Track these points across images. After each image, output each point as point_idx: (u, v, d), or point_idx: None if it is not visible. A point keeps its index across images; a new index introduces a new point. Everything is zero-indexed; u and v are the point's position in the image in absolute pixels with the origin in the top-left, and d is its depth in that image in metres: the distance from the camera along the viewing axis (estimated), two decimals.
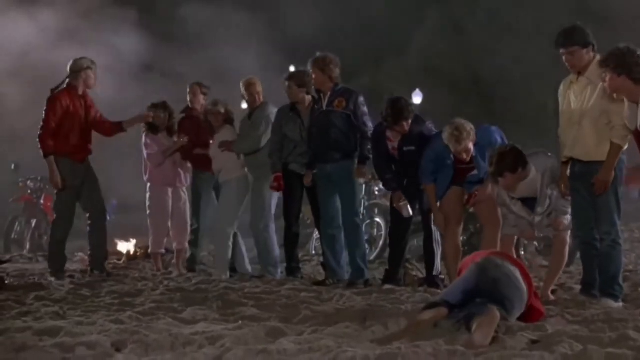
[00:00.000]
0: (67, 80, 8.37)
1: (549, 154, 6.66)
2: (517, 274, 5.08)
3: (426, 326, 4.69)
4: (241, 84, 8.60)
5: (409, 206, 7.50)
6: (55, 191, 8.51)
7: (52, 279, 8.09)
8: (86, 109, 8.40)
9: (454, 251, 7.24)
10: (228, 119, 8.75)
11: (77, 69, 8.35)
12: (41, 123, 8.24)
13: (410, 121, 7.40)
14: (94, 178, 8.54)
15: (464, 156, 6.96)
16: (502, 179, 6.22)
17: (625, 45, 5.75)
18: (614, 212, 6.05)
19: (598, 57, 5.95)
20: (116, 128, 8.73)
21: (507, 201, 6.52)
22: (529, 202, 6.49)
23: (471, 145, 6.93)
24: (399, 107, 7.38)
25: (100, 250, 8.68)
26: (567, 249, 6.62)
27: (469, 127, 6.92)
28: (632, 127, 5.79)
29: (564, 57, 6.10)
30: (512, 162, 6.21)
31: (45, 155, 8.24)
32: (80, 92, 8.40)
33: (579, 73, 6.07)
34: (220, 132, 8.69)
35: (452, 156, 7.03)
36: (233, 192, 8.53)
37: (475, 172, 7.05)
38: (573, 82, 6.14)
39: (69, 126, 8.26)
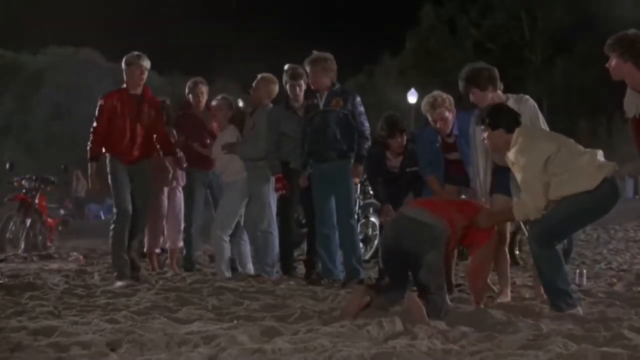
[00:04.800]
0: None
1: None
2: (422, 214, 5.52)
3: (357, 307, 5.26)
4: (258, 77, 8.58)
5: None
6: (112, 189, 8.14)
7: (118, 282, 7.75)
8: (138, 109, 8.07)
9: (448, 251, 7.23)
10: (234, 119, 8.68)
11: (123, 66, 8.07)
12: (92, 127, 8.09)
13: (404, 136, 7.42)
14: (143, 182, 8.18)
15: (440, 125, 6.89)
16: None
17: (634, 31, 5.58)
18: (560, 228, 5.54)
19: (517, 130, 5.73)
20: (167, 150, 8.46)
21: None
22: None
23: (448, 114, 6.89)
24: (393, 121, 7.41)
25: (137, 257, 8.39)
26: None
27: (445, 96, 6.93)
28: (629, 115, 5.75)
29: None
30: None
31: (89, 160, 8.03)
32: (138, 91, 8.08)
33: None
34: (224, 132, 8.66)
35: (439, 138, 7.01)
36: (238, 193, 8.48)
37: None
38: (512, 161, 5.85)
39: (115, 127, 7.99)
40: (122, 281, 7.70)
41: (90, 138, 8.04)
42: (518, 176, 5.61)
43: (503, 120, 5.72)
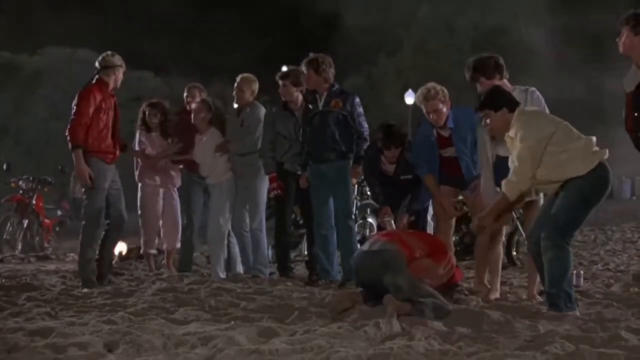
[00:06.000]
0: (97, 76, 7.85)
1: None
2: (374, 244, 5.83)
3: (345, 301, 5.53)
4: (237, 79, 8.61)
5: (393, 222, 7.52)
6: (84, 192, 7.88)
7: (85, 289, 7.40)
8: (115, 107, 7.90)
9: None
10: (214, 120, 8.68)
11: (110, 65, 7.88)
12: (72, 116, 7.67)
13: (399, 149, 7.42)
14: (119, 185, 7.97)
15: (433, 117, 6.89)
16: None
17: None
18: (568, 221, 5.55)
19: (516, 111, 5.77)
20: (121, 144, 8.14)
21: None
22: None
23: (442, 107, 6.88)
24: (389, 132, 7.41)
25: (109, 261, 8.19)
26: None
27: (439, 87, 6.94)
28: (627, 90, 5.78)
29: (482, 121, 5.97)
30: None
31: (74, 148, 7.60)
32: (110, 89, 7.90)
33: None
34: (205, 135, 8.63)
35: (434, 132, 7.02)
36: (225, 193, 8.52)
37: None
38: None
39: (101, 123, 7.71)
40: (90, 289, 7.41)
41: (73, 124, 7.62)
42: (514, 153, 5.65)
43: (505, 100, 5.81)
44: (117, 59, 7.96)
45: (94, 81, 7.84)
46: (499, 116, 5.76)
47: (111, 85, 7.90)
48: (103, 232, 8.01)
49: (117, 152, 7.95)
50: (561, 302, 5.43)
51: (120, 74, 7.97)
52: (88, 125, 7.65)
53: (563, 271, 5.47)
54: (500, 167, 6.37)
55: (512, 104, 5.76)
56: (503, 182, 5.70)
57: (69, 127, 7.67)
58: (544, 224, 5.58)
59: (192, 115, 8.73)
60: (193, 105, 8.94)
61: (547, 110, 6.31)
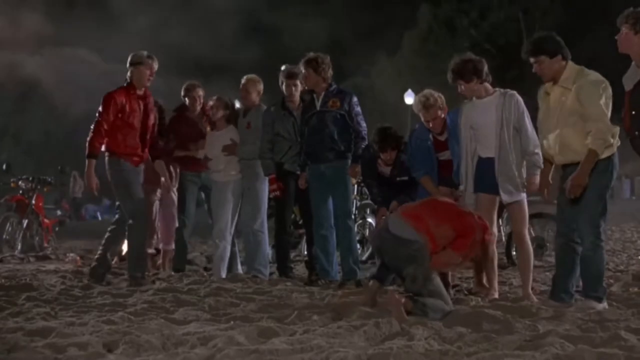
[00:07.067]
0: (127, 78, 7.85)
1: None
2: (403, 229, 5.62)
3: (345, 302, 5.65)
4: (243, 80, 8.62)
5: None
6: (121, 191, 7.80)
7: (100, 286, 7.53)
8: (145, 110, 7.86)
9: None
10: (231, 118, 8.72)
11: (132, 62, 7.83)
12: (94, 123, 7.71)
13: (395, 152, 7.43)
14: (141, 187, 7.94)
15: (432, 125, 6.93)
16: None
17: None
18: (596, 214, 5.80)
19: (570, 64, 5.95)
20: (155, 153, 8.14)
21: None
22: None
23: (440, 113, 6.92)
24: (385, 135, 7.42)
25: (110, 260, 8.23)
26: (526, 244, 6.59)
27: (437, 94, 6.97)
28: (627, 88, 5.83)
29: (533, 67, 6.07)
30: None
31: (89, 156, 7.63)
32: (140, 92, 7.83)
33: (554, 81, 5.98)
34: (223, 132, 8.68)
35: (430, 136, 7.03)
36: (233, 194, 8.55)
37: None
38: (548, 92, 6.05)
39: (126, 126, 7.72)
40: (101, 284, 7.68)
41: (92, 133, 7.68)
42: (569, 102, 5.79)
43: (561, 46, 5.95)
44: (136, 57, 7.89)
45: (125, 84, 7.84)
46: (554, 63, 5.90)
47: (136, 84, 7.84)
48: (112, 228, 8.11)
49: (145, 155, 7.94)
50: (601, 295, 5.88)
51: (142, 70, 7.83)
52: (108, 131, 7.69)
53: (601, 268, 5.96)
54: (482, 169, 6.43)
55: (566, 52, 5.91)
56: (589, 140, 5.72)
57: (90, 135, 7.71)
58: (585, 219, 5.79)
59: (210, 113, 8.77)
60: (210, 103, 8.92)
61: (527, 115, 6.44)
